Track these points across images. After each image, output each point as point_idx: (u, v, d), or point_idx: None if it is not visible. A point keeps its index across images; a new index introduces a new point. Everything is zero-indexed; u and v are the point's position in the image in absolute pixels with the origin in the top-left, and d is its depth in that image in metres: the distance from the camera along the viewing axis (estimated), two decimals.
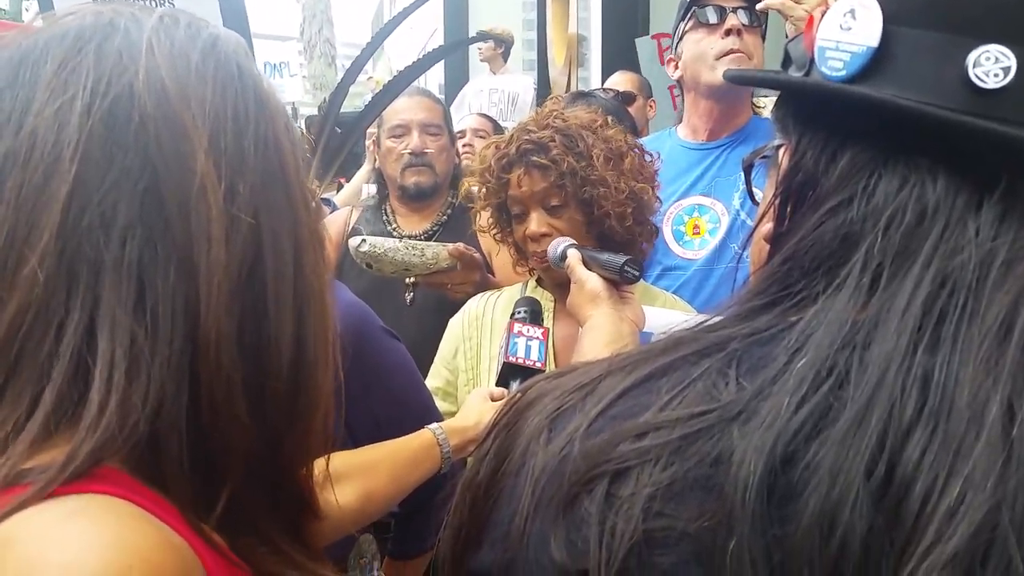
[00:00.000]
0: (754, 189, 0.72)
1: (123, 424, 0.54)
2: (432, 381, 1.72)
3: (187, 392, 0.57)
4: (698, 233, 1.99)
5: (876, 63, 0.56)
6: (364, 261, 1.86)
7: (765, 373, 0.52)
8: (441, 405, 1.65)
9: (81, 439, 0.53)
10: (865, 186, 0.55)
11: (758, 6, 1.93)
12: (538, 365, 1.36)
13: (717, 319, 0.59)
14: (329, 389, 0.68)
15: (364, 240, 1.85)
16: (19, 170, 0.57)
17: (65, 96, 0.58)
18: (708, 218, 1.99)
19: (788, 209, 0.61)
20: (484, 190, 1.63)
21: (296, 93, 8.28)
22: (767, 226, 0.64)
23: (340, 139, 2.00)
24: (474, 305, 1.77)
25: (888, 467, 0.46)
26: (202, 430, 0.58)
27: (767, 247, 0.64)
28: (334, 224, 2.43)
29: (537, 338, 1.39)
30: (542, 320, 1.49)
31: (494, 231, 1.69)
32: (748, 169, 0.72)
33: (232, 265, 0.59)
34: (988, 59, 0.53)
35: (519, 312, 1.47)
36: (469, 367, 1.71)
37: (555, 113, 1.57)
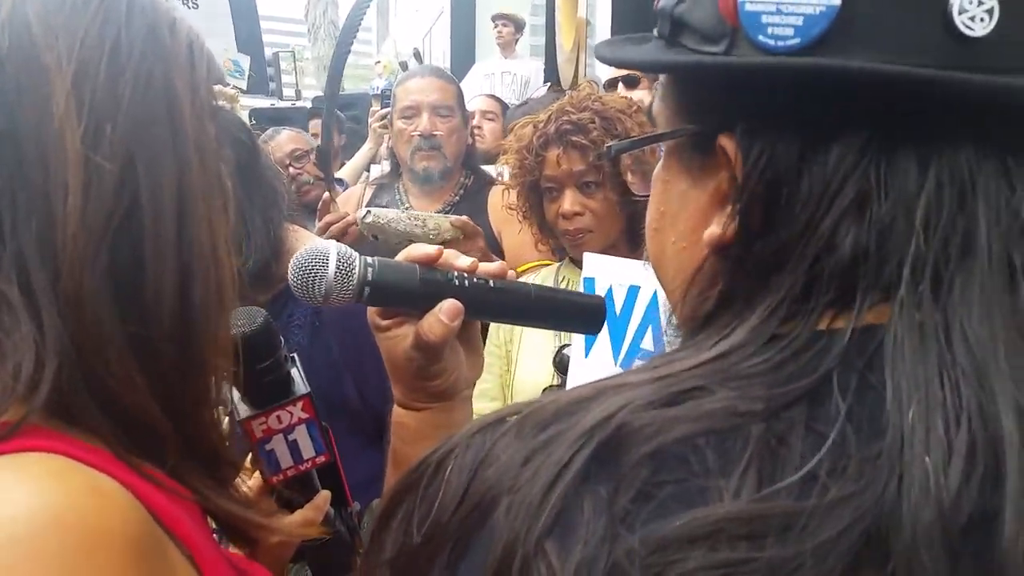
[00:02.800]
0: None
1: (13, 379, 0.52)
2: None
3: (71, 348, 0.54)
4: None
5: (839, 24, 0.46)
6: (370, 232, 1.91)
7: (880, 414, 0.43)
8: (489, 406, 1.65)
9: None
10: (877, 177, 0.47)
11: None
12: (321, 460, 0.98)
13: (692, 359, 0.48)
14: (226, 344, 0.65)
15: (369, 212, 1.91)
16: None
17: None
18: None
19: (753, 214, 0.50)
20: (519, 167, 1.68)
21: None
22: (709, 231, 0.52)
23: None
24: None
25: None
26: (96, 385, 0.56)
27: (702, 252, 0.53)
28: (349, 201, 2.46)
29: (298, 421, 0.95)
30: (282, 357, 0.98)
31: (523, 208, 1.74)
32: (618, 157, 0.65)
33: (94, 215, 0.55)
34: (971, 2, 0.45)
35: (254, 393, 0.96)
36: (503, 342, 1.74)
37: (592, 96, 1.64)
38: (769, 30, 0.47)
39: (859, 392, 0.44)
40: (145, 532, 0.52)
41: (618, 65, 0.64)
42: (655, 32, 0.56)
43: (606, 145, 0.68)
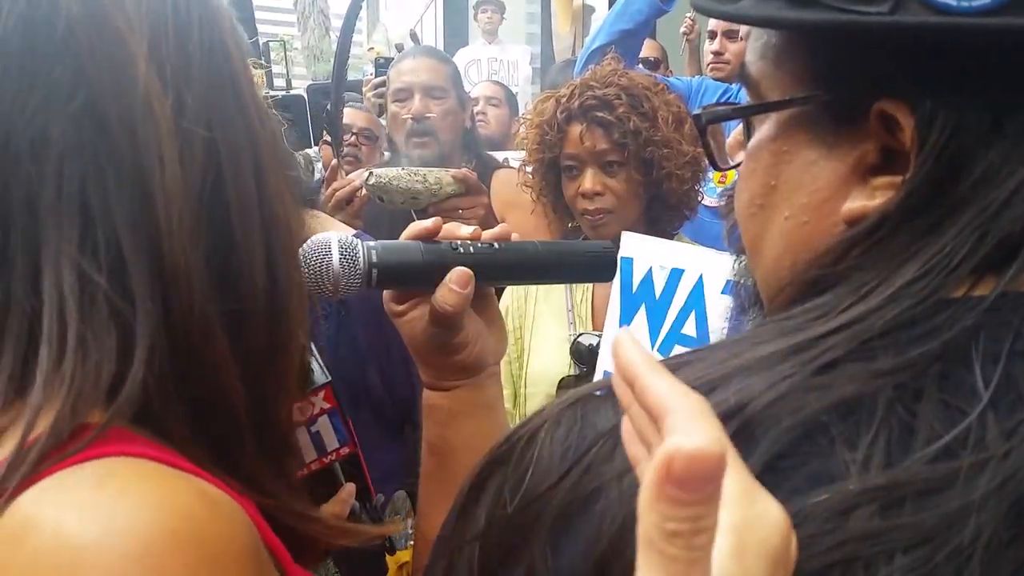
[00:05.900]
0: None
1: (96, 376, 0.48)
2: None
3: (164, 333, 0.50)
4: (723, 182, 1.99)
5: None
6: (375, 194, 1.88)
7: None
8: None
9: (39, 401, 0.46)
10: None
11: None
12: (345, 451, 0.97)
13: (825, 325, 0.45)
14: (304, 319, 0.62)
15: (372, 173, 1.88)
16: None
17: None
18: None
19: (922, 188, 0.46)
20: (538, 143, 1.62)
21: None
22: (850, 205, 0.49)
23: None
24: None
25: None
26: (185, 373, 0.52)
27: (836, 228, 0.50)
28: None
29: (321, 411, 0.94)
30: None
31: (539, 186, 1.69)
32: (706, 126, 0.59)
33: (191, 188, 0.52)
34: None
35: None
36: (514, 329, 1.69)
37: (618, 72, 1.57)
38: None
39: (1001, 359, 0.42)
40: (253, 540, 0.48)
41: (765, 24, 0.52)
42: None
43: (693, 112, 0.62)
